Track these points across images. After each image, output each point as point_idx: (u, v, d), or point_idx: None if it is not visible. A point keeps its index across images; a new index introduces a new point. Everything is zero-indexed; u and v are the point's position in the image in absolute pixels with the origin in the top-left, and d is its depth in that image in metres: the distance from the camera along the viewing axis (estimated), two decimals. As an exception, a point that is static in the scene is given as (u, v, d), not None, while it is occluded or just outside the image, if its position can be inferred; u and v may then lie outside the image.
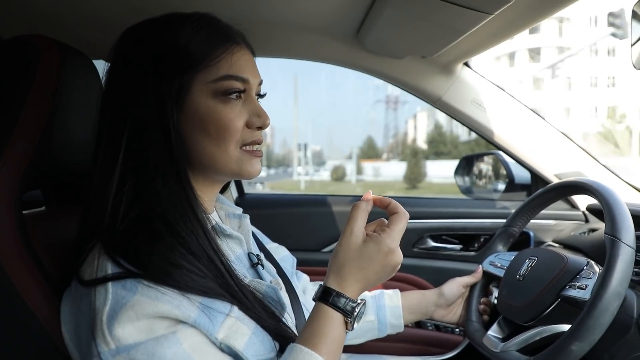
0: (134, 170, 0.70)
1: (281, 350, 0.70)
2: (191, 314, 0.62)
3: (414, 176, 28.59)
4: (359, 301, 0.71)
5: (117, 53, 0.75)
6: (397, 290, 1.16)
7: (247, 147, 0.76)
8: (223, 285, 0.68)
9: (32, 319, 0.70)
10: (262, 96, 0.81)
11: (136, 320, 0.60)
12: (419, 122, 47.21)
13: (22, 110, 0.75)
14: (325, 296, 0.70)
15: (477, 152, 2.01)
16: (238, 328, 0.66)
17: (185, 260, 0.66)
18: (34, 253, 0.73)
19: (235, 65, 0.74)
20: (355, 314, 0.70)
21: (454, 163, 1.91)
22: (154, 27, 0.75)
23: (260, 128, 0.77)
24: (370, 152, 48.25)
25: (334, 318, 0.69)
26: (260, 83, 0.80)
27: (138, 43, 0.74)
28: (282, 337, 0.71)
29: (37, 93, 0.76)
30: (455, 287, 1.15)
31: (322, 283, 0.73)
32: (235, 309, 0.67)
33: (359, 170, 39.25)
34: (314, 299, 0.72)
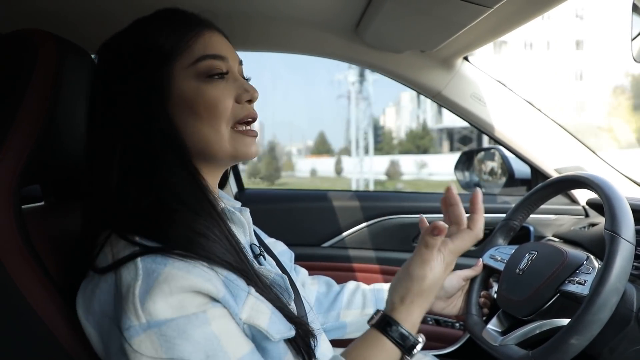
0: (135, 165, 0.71)
1: (297, 332, 0.71)
2: (221, 289, 0.63)
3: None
4: (420, 340, 0.71)
5: (98, 67, 0.78)
6: None
7: (240, 126, 0.77)
8: (239, 263, 0.69)
9: (32, 315, 0.70)
10: (246, 79, 0.82)
11: (169, 295, 0.60)
12: (388, 118, 47.33)
13: (20, 105, 0.75)
14: (386, 327, 0.71)
15: (478, 147, 2.01)
16: (259, 307, 0.67)
17: (207, 229, 0.67)
18: (32, 248, 0.73)
19: (208, 46, 0.75)
20: (415, 352, 0.70)
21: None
22: (123, 34, 0.77)
23: (250, 101, 0.78)
24: (321, 147, 48.26)
25: (392, 352, 0.70)
26: (240, 63, 0.81)
27: (112, 52, 0.76)
28: (294, 321, 0.72)
29: (36, 88, 0.76)
30: (455, 279, 1.15)
31: (380, 308, 0.75)
32: (253, 289, 0.68)
33: (288, 167, 41.59)
34: (370, 324, 0.72)
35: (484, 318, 1.12)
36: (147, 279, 0.61)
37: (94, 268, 0.67)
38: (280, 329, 0.68)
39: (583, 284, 0.87)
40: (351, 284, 1.16)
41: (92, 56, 0.89)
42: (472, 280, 1.18)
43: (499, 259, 1.15)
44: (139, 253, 0.63)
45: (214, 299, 0.63)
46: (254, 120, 0.79)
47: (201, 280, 0.62)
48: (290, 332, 0.70)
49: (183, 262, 0.62)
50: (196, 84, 0.74)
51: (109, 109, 0.74)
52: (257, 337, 0.67)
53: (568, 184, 1.11)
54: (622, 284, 0.81)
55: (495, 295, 1.15)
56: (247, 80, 0.82)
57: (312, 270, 1.20)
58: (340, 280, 1.18)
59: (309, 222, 1.72)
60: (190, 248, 0.64)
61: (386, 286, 1.16)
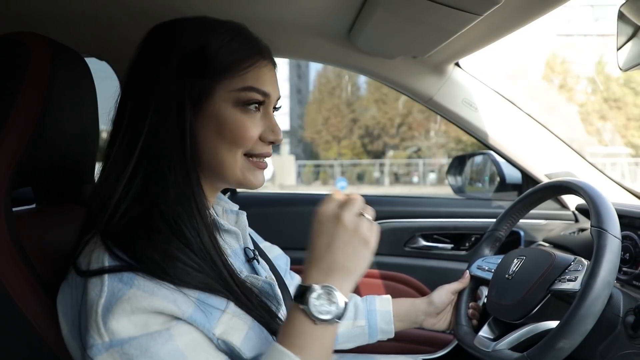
0: (146, 165, 0.71)
1: None
2: (187, 310, 0.63)
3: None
4: (311, 285, 0.65)
5: (145, 46, 0.76)
6: (389, 296, 1.16)
7: (253, 158, 0.78)
8: (219, 280, 0.68)
9: (21, 317, 0.70)
10: (277, 109, 0.83)
11: (131, 314, 0.60)
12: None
13: (13, 107, 0.75)
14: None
15: (470, 152, 2.02)
16: (235, 324, 0.67)
17: (182, 253, 0.66)
18: (23, 251, 0.73)
19: (260, 79, 0.76)
20: (308, 297, 0.64)
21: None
22: (186, 27, 0.75)
23: (272, 143, 0.79)
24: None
25: (294, 309, 0.66)
26: (279, 98, 0.81)
27: (168, 40, 0.75)
28: (278, 333, 0.71)
29: (28, 90, 0.76)
30: (444, 294, 1.16)
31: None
32: (232, 304, 0.68)
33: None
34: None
35: (474, 329, 1.13)
36: (110, 298, 0.61)
37: (74, 266, 0.67)
38: (256, 345, 0.68)
39: (574, 280, 0.88)
40: None
41: (85, 59, 0.89)
42: (460, 292, 1.18)
43: (486, 268, 1.16)
44: (107, 270, 0.63)
45: (179, 318, 0.63)
46: (268, 156, 0.80)
47: (165, 302, 0.62)
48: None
49: (150, 282, 0.62)
50: (233, 110, 0.74)
51: (142, 99, 0.72)
52: (234, 352, 0.66)
53: (552, 190, 1.12)
54: (612, 277, 0.82)
55: (485, 302, 1.16)
56: (278, 108, 0.83)
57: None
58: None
59: (302, 226, 1.71)
60: (156, 271, 0.63)
61: (378, 297, 1.16)
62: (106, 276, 0.62)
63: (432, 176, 21.14)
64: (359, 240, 0.68)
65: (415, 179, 21.54)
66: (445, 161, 21.33)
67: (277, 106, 0.82)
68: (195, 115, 0.73)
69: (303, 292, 0.65)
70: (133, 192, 0.70)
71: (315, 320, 0.64)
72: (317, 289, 0.65)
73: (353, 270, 0.68)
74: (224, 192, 0.96)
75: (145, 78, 0.73)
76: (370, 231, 0.69)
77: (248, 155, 0.77)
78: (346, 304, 0.66)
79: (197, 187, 0.73)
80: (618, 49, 0.88)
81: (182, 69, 0.72)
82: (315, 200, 1.76)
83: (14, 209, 0.77)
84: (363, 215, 0.70)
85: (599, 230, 0.86)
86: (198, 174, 0.74)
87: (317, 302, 0.64)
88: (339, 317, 0.65)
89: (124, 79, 0.77)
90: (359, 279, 0.69)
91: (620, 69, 0.88)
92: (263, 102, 0.77)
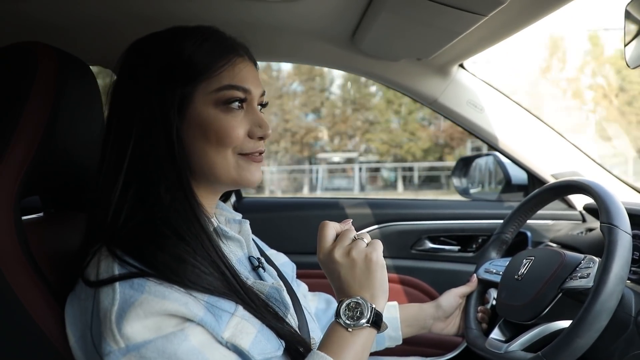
0: (138, 177, 0.72)
1: (287, 350, 0.72)
2: (198, 313, 0.64)
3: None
4: (342, 300, 0.72)
5: (124, 64, 0.78)
6: (395, 303, 1.16)
7: (246, 155, 0.78)
8: (227, 286, 0.69)
9: (32, 325, 0.71)
10: (264, 105, 0.83)
11: (144, 318, 0.61)
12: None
13: (20, 117, 0.75)
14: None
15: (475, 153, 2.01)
16: (243, 327, 0.68)
17: (190, 256, 0.68)
18: (32, 259, 0.74)
19: (237, 76, 0.76)
20: (338, 309, 0.72)
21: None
22: (159, 39, 0.77)
23: (262, 138, 0.79)
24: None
25: (331, 324, 0.73)
26: (263, 94, 0.82)
27: (144, 55, 0.76)
28: (287, 337, 0.73)
29: (36, 100, 0.76)
30: (452, 298, 1.15)
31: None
32: (240, 308, 0.69)
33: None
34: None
35: (484, 332, 1.12)
36: (122, 305, 0.62)
37: (83, 278, 0.68)
38: (265, 348, 0.69)
39: (586, 277, 0.87)
40: None
41: (92, 68, 0.90)
42: (468, 296, 1.18)
43: (494, 271, 1.15)
44: (118, 278, 0.64)
45: (191, 320, 0.64)
46: (261, 154, 0.80)
47: (176, 304, 0.63)
48: (278, 352, 0.70)
49: (161, 286, 0.63)
50: (214, 111, 0.75)
51: (126, 114, 0.74)
52: (242, 355, 0.67)
53: (558, 190, 1.12)
54: (625, 272, 0.82)
55: (494, 303, 1.15)
56: (265, 105, 0.83)
57: (311, 279, 1.20)
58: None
59: (307, 230, 1.72)
60: (168, 274, 0.64)
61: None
62: (117, 284, 0.63)
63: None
64: (360, 265, 0.74)
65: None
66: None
67: (263, 103, 0.82)
68: (180, 122, 0.74)
69: (337, 310, 0.72)
70: (129, 202, 0.71)
71: (347, 327, 0.71)
72: (346, 301, 0.72)
73: (374, 287, 0.73)
74: (229, 195, 0.96)
75: (128, 93, 0.75)
76: (370, 248, 0.75)
77: (240, 154, 0.77)
78: (375, 310, 0.72)
79: (190, 193, 0.74)
80: (625, 45, 0.88)
81: (161, 79, 0.73)
82: (320, 205, 1.77)
83: (22, 218, 0.77)
84: (356, 238, 0.76)
85: (610, 226, 0.85)
86: (189, 180, 0.75)
87: (347, 312, 0.72)
88: (369, 321, 0.71)
89: (109, 95, 0.78)
90: (385, 288, 0.75)
91: (628, 66, 0.88)
92: (245, 99, 0.77)
